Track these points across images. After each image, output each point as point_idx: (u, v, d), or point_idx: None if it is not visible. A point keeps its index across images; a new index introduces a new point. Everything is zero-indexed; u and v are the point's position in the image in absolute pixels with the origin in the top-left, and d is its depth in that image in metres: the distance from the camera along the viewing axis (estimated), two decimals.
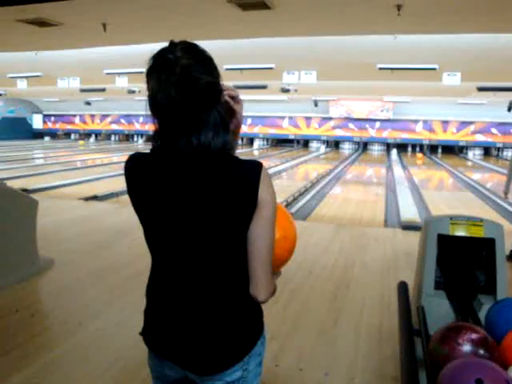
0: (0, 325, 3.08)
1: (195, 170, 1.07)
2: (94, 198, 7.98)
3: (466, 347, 1.72)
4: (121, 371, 2.55)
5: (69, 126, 27.81)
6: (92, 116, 27.09)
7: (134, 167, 1.17)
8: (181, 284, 1.15)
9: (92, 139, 27.26)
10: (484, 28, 6.99)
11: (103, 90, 16.12)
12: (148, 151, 1.17)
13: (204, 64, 1.07)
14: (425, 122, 22.31)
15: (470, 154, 22.37)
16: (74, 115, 27.35)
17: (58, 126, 27.88)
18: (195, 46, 1.08)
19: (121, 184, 10.12)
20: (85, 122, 27.42)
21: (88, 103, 23.84)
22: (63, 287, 3.82)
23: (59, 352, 2.76)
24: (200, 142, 1.06)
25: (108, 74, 12.56)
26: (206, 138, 1.06)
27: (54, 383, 2.44)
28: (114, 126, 27.04)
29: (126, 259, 4.55)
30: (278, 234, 1.21)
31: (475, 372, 1.45)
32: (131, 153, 1.24)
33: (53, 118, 27.79)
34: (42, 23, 6.62)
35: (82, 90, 16.29)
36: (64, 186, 9.62)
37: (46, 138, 27.24)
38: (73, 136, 28.19)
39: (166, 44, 1.12)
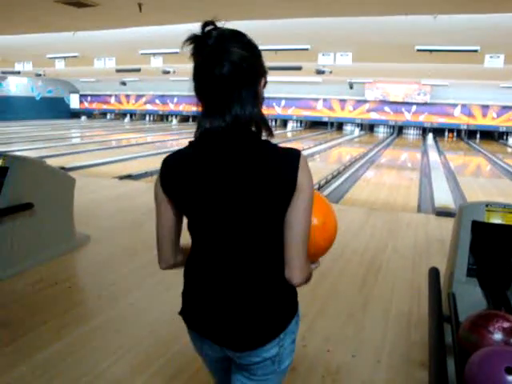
0: (40, 296, 3.22)
1: (236, 158, 1.13)
2: (129, 176, 8.15)
3: (497, 335, 1.70)
4: (153, 345, 2.64)
5: (104, 106, 28.31)
6: (127, 96, 27.46)
7: (174, 164, 1.22)
8: (222, 265, 1.20)
9: (127, 119, 27.70)
10: None
11: (138, 70, 16.29)
12: (181, 148, 1.25)
13: (251, 46, 1.18)
14: (463, 106, 21.60)
15: (511, 140, 21.57)
16: (110, 95, 27.79)
17: (94, 105, 28.42)
18: (241, 32, 1.20)
19: (154, 163, 10.24)
20: (120, 102, 27.83)
21: (123, 83, 24.15)
22: (98, 262, 3.95)
23: (95, 324, 2.87)
24: (237, 113, 1.13)
25: (143, 54, 12.67)
26: (241, 110, 1.13)
27: (89, 353, 2.56)
28: (149, 107, 27.36)
29: None
30: (317, 221, 1.25)
31: (505, 360, 1.44)
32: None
33: (89, 98, 28.33)
34: (79, 4, 6.73)
35: (118, 71, 16.50)
36: (100, 164, 9.86)
37: (83, 118, 27.85)
38: (108, 116, 28.72)
39: (200, 25, 1.16)
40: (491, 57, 10.08)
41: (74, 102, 28.40)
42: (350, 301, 3.30)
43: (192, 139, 1.22)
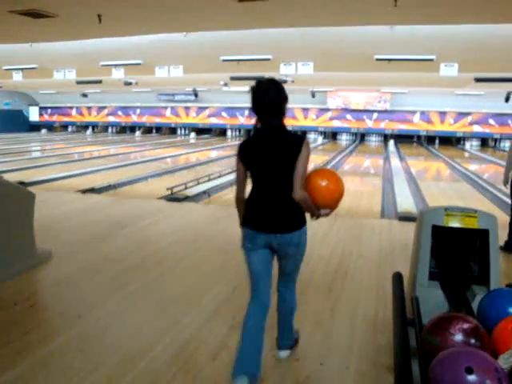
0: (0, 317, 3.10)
1: (273, 140, 2.35)
2: (92, 190, 7.98)
3: (458, 337, 1.75)
4: (118, 362, 2.58)
5: (65, 119, 27.71)
6: (89, 108, 26.98)
7: (245, 145, 2.43)
8: (267, 192, 2.37)
9: (89, 131, 27.18)
10: (481, 19, 6.98)
11: (100, 81, 16.05)
12: (247, 138, 2.48)
13: (280, 88, 2.36)
14: (422, 112, 22.29)
15: (468, 144, 22.37)
16: (71, 107, 27.24)
17: (54, 118, 27.78)
18: (274, 80, 2.38)
19: (118, 176, 10.10)
20: (81, 114, 27.32)
21: (85, 95, 23.73)
22: (61, 279, 3.84)
23: (58, 343, 2.78)
24: (276, 120, 2.35)
25: (104, 65, 12.50)
26: (274, 120, 2.35)
27: (52, 374, 2.47)
28: (111, 118, 26.95)
29: (123, 251, 4.57)
30: (324, 182, 2.42)
31: (465, 361, 1.48)
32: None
33: (49, 111, 27.67)
34: (36, 14, 6.59)
35: (79, 82, 16.22)
36: (61, 178, 9.61)
37: (43, 131, 27.14)
38: (70, 128, 28.11)
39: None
40: (446, 65, 10.47)
41: (34, 115, 27.65)
42: (317, 308, 3.33)
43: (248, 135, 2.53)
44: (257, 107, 2.32)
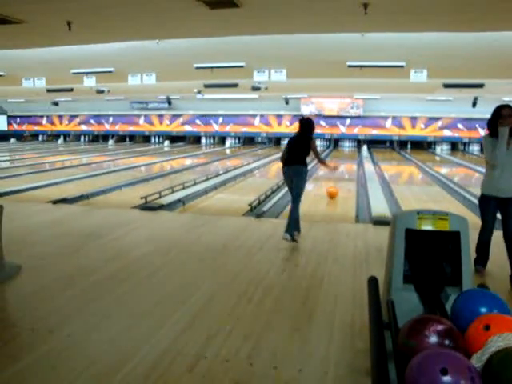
0: None
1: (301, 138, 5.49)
2: (64, 200, 7.82)
3: (433, 339, 1.77)
4: (92, 378, 2.51)
5: (36, 128, 27.20)
6: (60, 117, 26.56)
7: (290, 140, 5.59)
8: (294, 156, 5.38)
9: (60, 140, 26.72)
10: (448, 27, 7.17)
11: (71, 89, 15.81)
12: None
13: (310, 124, 5.49)
14: (394, 118, 22.73)
15: (438, 149, 22.90)
16: (41, 116, 26.77)
17: (24, 127, 27.22)
18: (310, 119, 5.61)
19: (91, 186, 9.96)
20: (53, 123, 26.86)
21: (55, 104, 23.34)
22: (31, 293, 3.73)
23: (28, 361, 2.69)
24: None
25: (75, 73, 12.32)
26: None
27: None
28: (83, 127, 26.58)
29: (97, 263, 4.48)
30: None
31: (440, 362, 1.50)
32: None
33: (18, 120, 27.12)
34: (2, 21, 6.43)
35: (49, 90, 15.94)
36: (32, 189, 9.39)
37: (12, 140, 26.53)
38: (40, 137, 27.57)
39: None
40: (416, 72, 10.71)
41: (2, 124, 27.01)
42: (294, 315, 3.32)
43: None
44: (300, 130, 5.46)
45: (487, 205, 4.13)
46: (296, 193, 5.28)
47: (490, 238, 4.25)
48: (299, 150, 5.37)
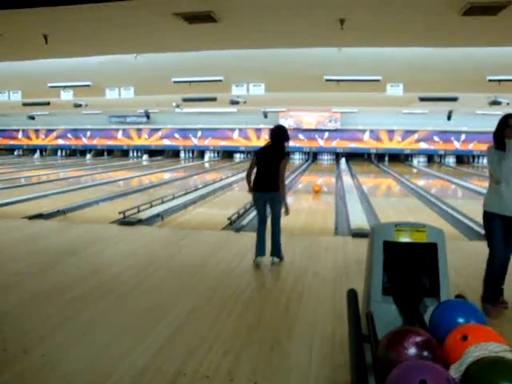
0: None
1: (271, 150, 4.92)
2: (40, 216, 7.67)
3: (411, 350, 1.77)
4: None
5: (11, 142, 26.72)
6: (36, 131, 26.16)
7: (258, 151, 4.99)
8: (264, 176, 4.83)
9: (37, 155, 26.29)
10: (422, 43, 7.35)
11: (47, 103, 15.61)
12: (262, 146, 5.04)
13: (282, 131, 4.95)
14: (371, 131, 23.06)
15: (415, 161, 23.30)
16: (17, 130, 26.31)
17: None
18: (283, 126, 5.21)
19: (68, 201, 9.76)
20: (29, 138, 26.43)
21: (32, 117, 22.99)
22: (5, 312, 3.62)
23: (0, 382, 2.60)
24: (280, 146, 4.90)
25: (52, 87, 12.18)
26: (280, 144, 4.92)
27: None
28: (61, 141, 26.23)
29: (73, 279, 4.39)
30: None
31: (419, 374, 1.50)
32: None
33: None
34: None
35: (25, 104, 15.70)
36: (6, 204, 9.17)
37: None
38: (16, 152, 27.09)
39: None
40: (392, 86, 10.92)
41: None
42: (274, 329, 3.30)
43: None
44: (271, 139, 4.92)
45: (492, 224, 3.55)
46: (277, 218, 4.85)
47: (501, 269, 3.56)
48: (272, 168, 4.71)
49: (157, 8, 5.42)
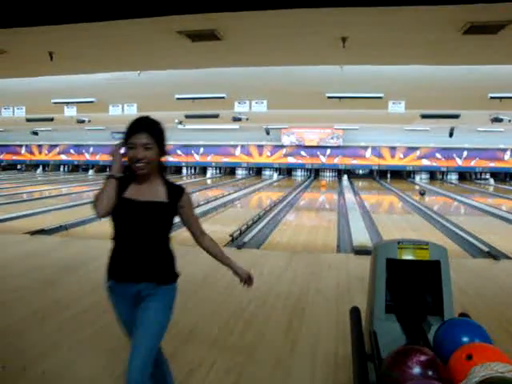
0: None
1: None
2: (41, 231, 7.66)
3: (415, 370, 1.75)
4: None
5: (14, 157, 26.84)
6: (39, 146, 26.30)
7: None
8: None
9: (39, 170, 26.38)
10: (423, 60, 7.40)
11: (51, 119, 15.71)
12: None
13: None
14: (373, 148, 23.12)
15: (417, 178, 23.31)
16: (20, 145, 26.46)
17: (1, 156, 26.84)
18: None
19: (70, 216, 9.73)
20: (31, 153, 26.56)
21: (35, 133, 23.13)
22: (4, 329, 3.59)
23: None
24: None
25: (56, 103, 12.28)
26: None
27: None
28: (63, 157, 26.34)
29: (75, 296, 4.36)
30: None
31: None
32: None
33: None
34: None
35: (29, 120, 15.81)
36: (8, 219, 9.18)
37: None
38: (19, 167, 27.20)
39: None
40: (394, 103, 10.97)
41: None
42: (276, 347, 3.26)
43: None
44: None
45: None
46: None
47: None
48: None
49: (161, 26, 5.48)
